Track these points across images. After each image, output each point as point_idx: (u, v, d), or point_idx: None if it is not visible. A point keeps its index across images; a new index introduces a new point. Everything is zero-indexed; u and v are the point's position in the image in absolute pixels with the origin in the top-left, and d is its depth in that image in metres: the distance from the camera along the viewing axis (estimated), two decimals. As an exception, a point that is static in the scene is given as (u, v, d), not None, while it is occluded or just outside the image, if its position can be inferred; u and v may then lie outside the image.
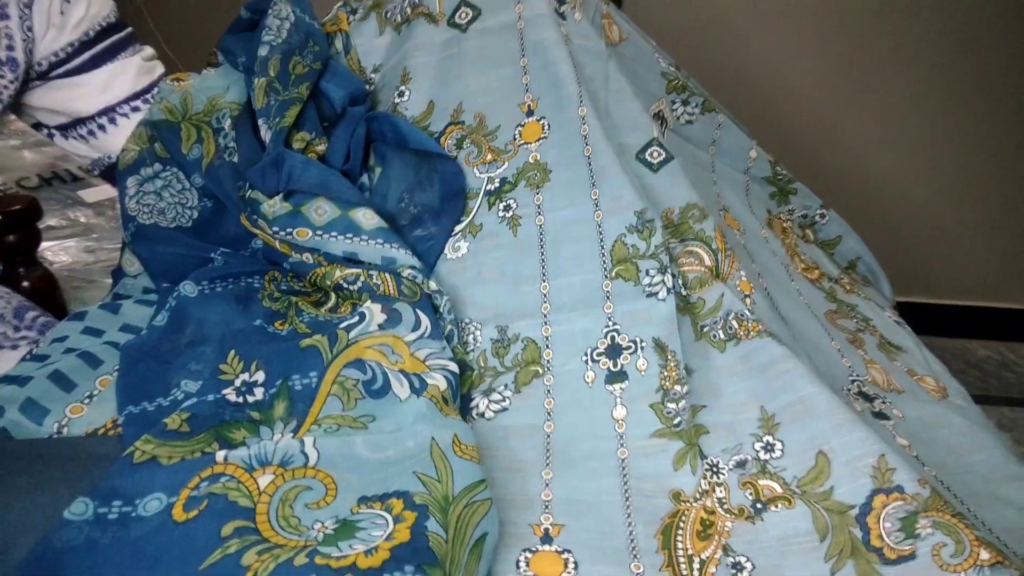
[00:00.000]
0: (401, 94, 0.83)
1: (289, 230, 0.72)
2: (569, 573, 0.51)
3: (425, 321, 0.64)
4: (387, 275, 0.68)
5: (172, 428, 0.51)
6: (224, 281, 0.72)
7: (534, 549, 0.53)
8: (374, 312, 0.63)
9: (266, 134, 0.78)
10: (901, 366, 0.79)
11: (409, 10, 0.88)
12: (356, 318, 0.63)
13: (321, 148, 0.80)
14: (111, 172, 0.98)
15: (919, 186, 1.48)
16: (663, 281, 0.66)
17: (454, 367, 0.61)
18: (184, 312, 0.68)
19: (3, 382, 0.58)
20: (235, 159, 0.78)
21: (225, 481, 0.47)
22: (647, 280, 0.67)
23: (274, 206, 0.73)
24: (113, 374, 0.62)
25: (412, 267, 0.70)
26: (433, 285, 0.69)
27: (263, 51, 0.81)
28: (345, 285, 0.70)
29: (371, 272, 0.69)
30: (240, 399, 0.56)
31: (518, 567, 0.51)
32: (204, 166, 0.77)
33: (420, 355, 0.61)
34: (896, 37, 1.35)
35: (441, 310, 0.68)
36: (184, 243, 0.76)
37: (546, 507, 0.56)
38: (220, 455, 0.49)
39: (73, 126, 0.99)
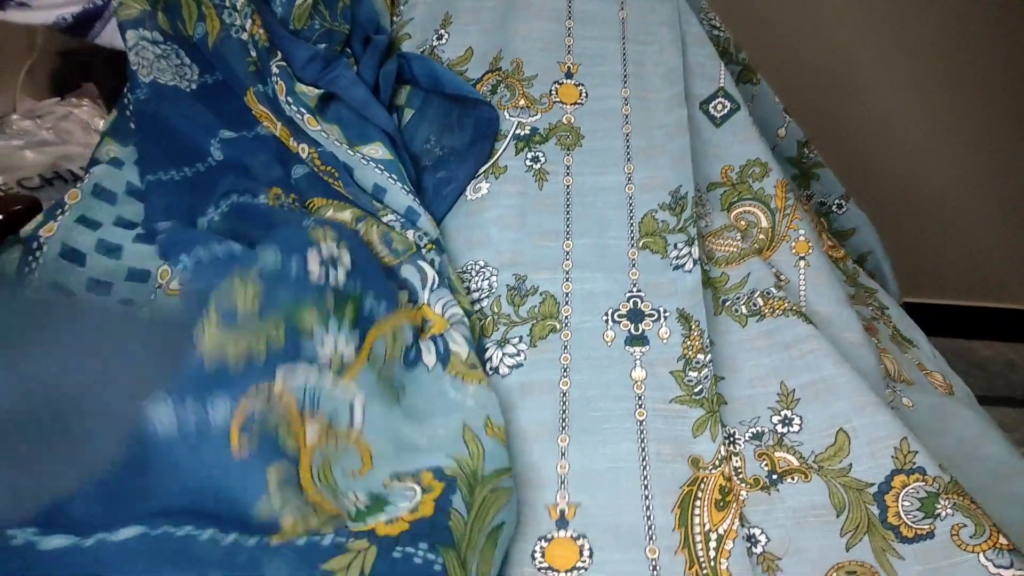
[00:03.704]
0: (440, 37, 0.82)
1: (302, 112, 0.70)
2: (584, 562, 0.51)
3: (430, 272, 0.63)
4: (374, 228, 0.65)
5: (244, 308, 0.50)
6: (233, 195, 0.71)
7: (549, 537, 0.52)
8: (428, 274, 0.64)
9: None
10: (912, 359, 0.79)
11: None
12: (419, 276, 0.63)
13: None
14: (79, 27, 0.86)
15: (921, 185, 1.47)
16: (690, 253, 0.66)
17: (462, 313, 0.61)
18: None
19: None
20: (243, 36, 0.77)
21: (278, 420, 0.48)
22: (674, 253, 0.67)
23: (303, 89, 0.72)
24: None
25: (399, 210, 0.68)
26: (413, 235, 0.66)
27: None
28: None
29: (358, 225, 0.66)
30: (323, 273, 0.54)
31: (533, 559, 0.51)
32: (211, 44, 0.76)
33: (438, 309, 0.61)
34: (898, 31, 1.35)
35: (429, 264, 0.65)
36: (188, 105, 0.75)
37: (562, 483, 0.55)
38: (279, 374, 0.48)
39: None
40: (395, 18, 0.86)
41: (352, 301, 0.55)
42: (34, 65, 1.18)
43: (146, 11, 0.77)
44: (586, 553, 0.51)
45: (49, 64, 1.21)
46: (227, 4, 0.78)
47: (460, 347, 0.58)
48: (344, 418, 0.51)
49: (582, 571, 0.50)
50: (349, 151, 0.70)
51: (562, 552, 0.51)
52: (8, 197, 0.78)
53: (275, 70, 0.73)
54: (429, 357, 0.58)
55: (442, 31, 0.82)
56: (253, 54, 0.76)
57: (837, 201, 0.97)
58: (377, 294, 0.57)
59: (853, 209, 0.97)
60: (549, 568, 0.50)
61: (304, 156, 0.71)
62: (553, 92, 0.75)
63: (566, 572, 0.50)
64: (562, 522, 0.53)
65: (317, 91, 0.73)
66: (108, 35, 0.84)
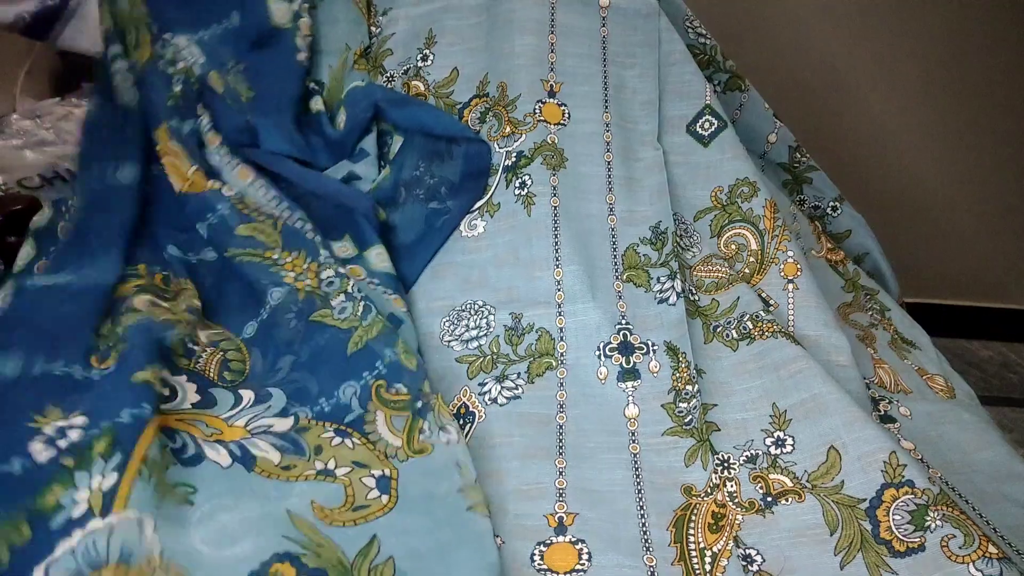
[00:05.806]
0: (425, 58, 0.81)
1: (236, 162, 0.70)
2: (583, 564, 0.52)
3: (246, 396, 0.60)
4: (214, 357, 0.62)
5: None
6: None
7: (548, 542, 0.53)
8: (188, 392, 0.59)
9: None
10: (911, 364, 0.80)
11: None
12: (167, 391, 0.57)
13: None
14: (38, 27, 0.86)
15: (918, 186, 1.47)
16: (672, 286, 0.68)
17: (282, 425, 0.57)
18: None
19: None
20: (169, 71, 0.77)
21: None
22: (657, 287, 0.69)
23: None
24: None
25: (389, 315, 0.66)
26: (391, 309, 0.66)
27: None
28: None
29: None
30: (52, 450, 0.49)
31: (532, 561, 0.52)
32: (138, 70, 0.76)
33: (240, 423, 0.57)
34: (896, 32, 1.34)
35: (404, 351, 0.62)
36: (126, 121, 0.75)
37: (560, 495, 0.56)
38: (39, 571, 0.42)
39: None
40: (374, 29, 0.85)
41: (99, 438, 0.50)
42: (34, 65, 1.18)
43: (110, 28, 0.78)
44: (584, 557, 0.52)
45: (49, 64, 1.21)
46: (163, 36, 0.78)
47: (270, 455, 0.54)
48: (139, 553, 0.44)
49: (581, 573, 0.51)
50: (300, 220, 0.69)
51: (561, 555, 0.52)
52: (8, 197, 0.77)
53: (206, 122, 0.73)
54: (220, 456, 0.54)
55: (427, 51, 0.81)
56: (177, 90, 0.76)
57: (831, 204, 0.97)
58: (120, 432, 0.51)
59: (848, 211, 0.97)
60: (548, 570, 0.51)
61: (227, 194, 0.70)
62: (537, 111, 0.75)
63: (565, 574, 0.51)
64: (560, 529, 0.54)
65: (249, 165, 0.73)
66: (69, 37, 0.83)
